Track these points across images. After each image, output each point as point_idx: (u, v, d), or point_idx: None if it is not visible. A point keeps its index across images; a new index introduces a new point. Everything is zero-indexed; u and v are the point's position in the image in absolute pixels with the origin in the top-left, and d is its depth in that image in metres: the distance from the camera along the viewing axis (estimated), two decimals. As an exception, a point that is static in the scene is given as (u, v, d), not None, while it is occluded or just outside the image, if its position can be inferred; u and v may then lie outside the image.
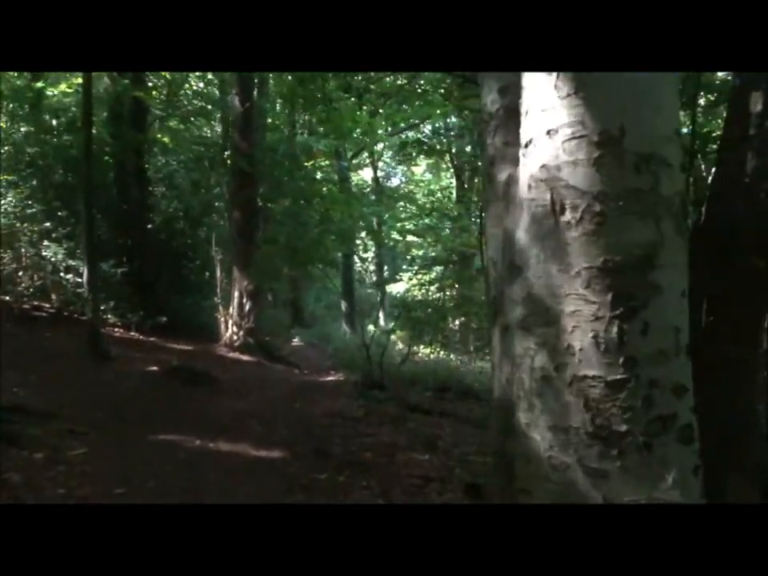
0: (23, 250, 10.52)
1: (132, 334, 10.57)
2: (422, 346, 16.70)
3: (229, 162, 11.06)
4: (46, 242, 10.46)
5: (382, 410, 7.05)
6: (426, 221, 11.58)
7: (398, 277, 23.09)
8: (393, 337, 18.00)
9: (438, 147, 16.18)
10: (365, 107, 9.71)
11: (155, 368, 7.36)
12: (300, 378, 9.42)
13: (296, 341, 15.60)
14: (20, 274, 10.63)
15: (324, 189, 9.72)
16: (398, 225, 15.35)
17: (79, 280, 10.27)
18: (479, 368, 13.74)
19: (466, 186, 19.94)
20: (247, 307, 10.21)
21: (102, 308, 10.66)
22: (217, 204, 12.96)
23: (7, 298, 10.36)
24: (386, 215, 11.01)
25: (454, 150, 19.57)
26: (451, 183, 23.10)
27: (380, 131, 10.21)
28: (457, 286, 18.45)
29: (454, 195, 19.55)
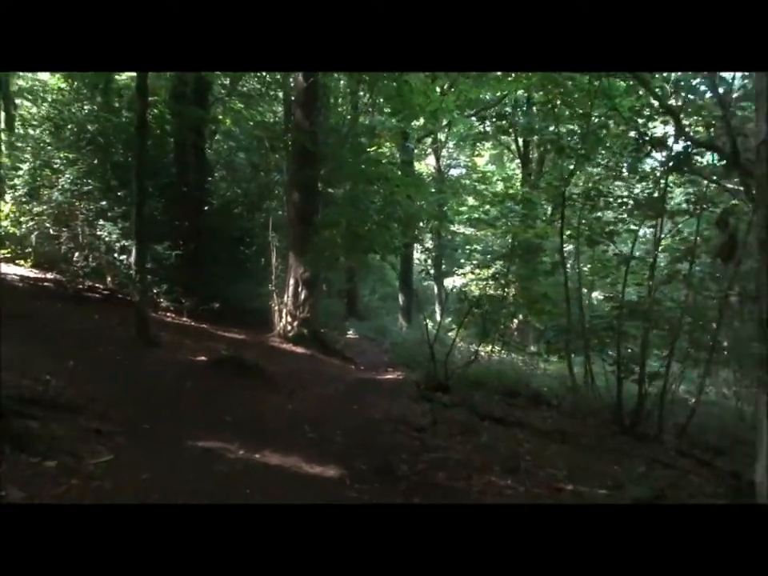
0: (79, 229, 10.11)
1: (184, 319, 10.03)
2: (481, 345, 15.73)
3: (290, 143, 10.37)
4: (101, 222, 10.03)
5: (450, 418, 6.15)
6: (493, 210, 10.55)
7: (455, 270, 22.07)
8: (450, 333, 17.10)
9: (509, 128, 15.05)
10: (437, 81, 8.82)
11: (203, 358, 6.69)
12: (356, 374, 8.61)
13: (350, 333, 14.87)
14: (76, 253, 10.25)
15: (388, 171, 8.80)
16: (458, 216, 14.38)
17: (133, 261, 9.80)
18: (544, 370, 12.65)
19: (532, 176, 18.73)
20: (302, 296, 9.47)
21: (156, 291, 10.17)
22: (276, 190, 12.34)
23: (60, 277, 10.01)
24: (451, 203, 10.05)
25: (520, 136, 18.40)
26: (516, 174, 21.91)
27: (453, 111, 9.23)
28: (515, 282, 17.42)
29: (519, 186, 18.39)
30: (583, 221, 8.38)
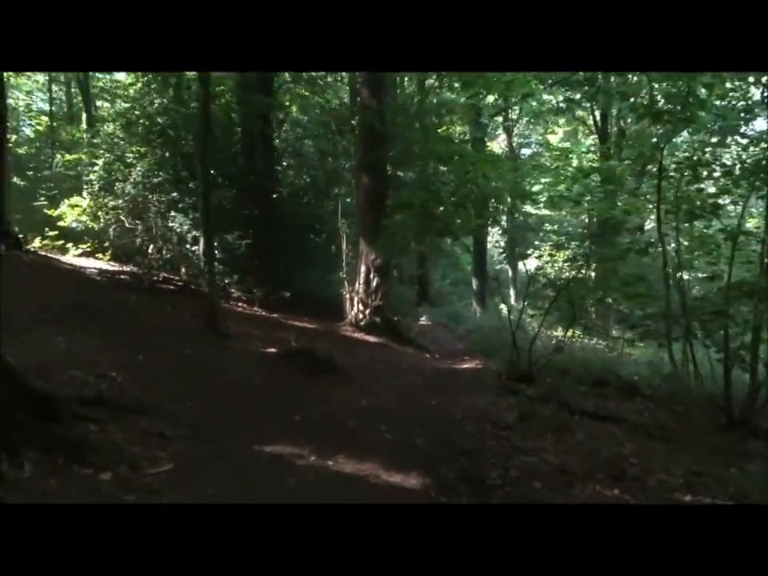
0: (152, 221, 10.09)
1: (255, 309, 9.83)
2: (560, 330, 14.82)
3: (357, 126, 9.91)
4: (173, 213, 9.97)
5: (538, 413, 5.52)
6: (576, 187, 9.73)
7: (531, 253, 21.10)
8: (529, 319, 16.23)
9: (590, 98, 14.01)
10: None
11: (274, 350, 6.37)
12: (432, 363, 8.10)
13: (423, 320, 14.36)
14: (150, 245, 10.26)
15: (462, 149, 8.16)
16: (536, 196, 13.47)
17: (201, 252, 9.68)
18: (628, 356, 11.68)
19: (611, 150, 17.51)
20: (374, 283, 9.03)
21: (227, 281, 10.03)
22: (345, 175, 11.95)
23: (136, 269, 10.04)
24: (526, 180, 9.25)
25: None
26: (591, 150, 20.59)
27: (530, 81, 8.46)
28: (599, 263, 16.39)
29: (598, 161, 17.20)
30: (679, 193, 7.46)
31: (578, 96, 17.05)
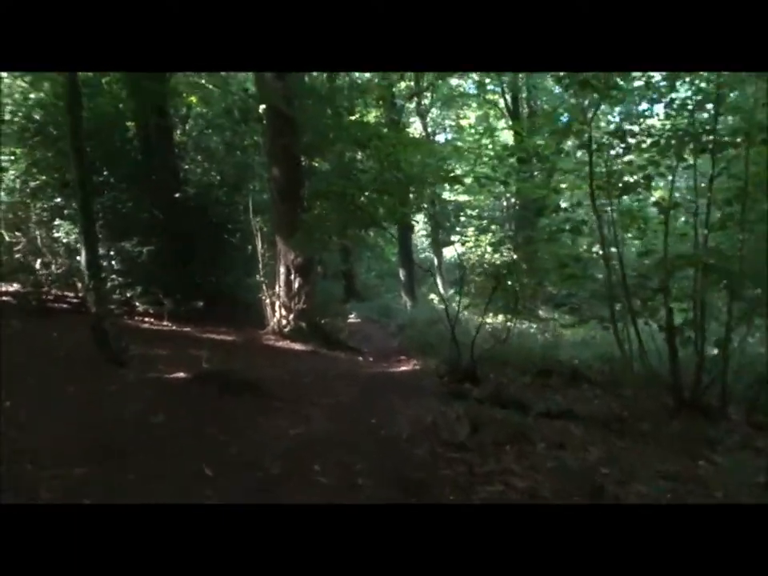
0: (35, 232, 8.69)
1: (165, 323, 8.67)
2: (493, 317, 14.41)
3: (263, 114, 8.89)
4: (57, 221, 8.60)
5: (490, 419, 4.86)
6: (500, 169, 9.25)
7: (454, 239, 20.74)
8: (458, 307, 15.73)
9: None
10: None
11: (182, 374, 5.35)
12: (366, 368, 7.32)
13: (352, 317, 13.56)
14: (38, 260, 8.84)
15: (379, 131, 7.37)
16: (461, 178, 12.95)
17: (104, 264, 8.41)
18: (563, 336, 11.36)
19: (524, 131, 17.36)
20: (296, 285, 8.12)
21: (129, 295, 8.81)
22: (256, 168, 10.88)
23: (21, 288, 8.61)
24: (450, 162, 8.60)
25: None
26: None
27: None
28: (527, 246, 16.36)
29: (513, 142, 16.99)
30: (611, 167, 7.02)
31: (488, 80, 16.74)
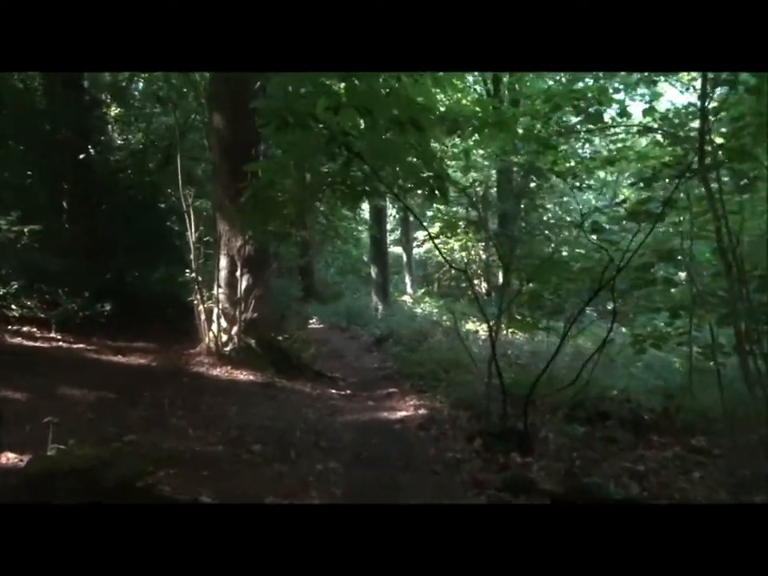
0: None
1: (52, 335, 5.89)
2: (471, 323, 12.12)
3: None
4: None
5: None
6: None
7: (424, 236, 18.38)
8: (419, 309, 13.29)
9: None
10: None
11: (21, 462, 2.68)
12: (351, 414, 4.77)
13: (313, 322, 10.97)
14: None
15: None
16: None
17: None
18: (542, 343, 8.98)
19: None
20: (243, 285, 5.49)
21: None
22: (197, 127, 8.14)
23: None
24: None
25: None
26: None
27: None
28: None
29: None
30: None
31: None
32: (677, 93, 11.33)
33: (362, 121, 3.11)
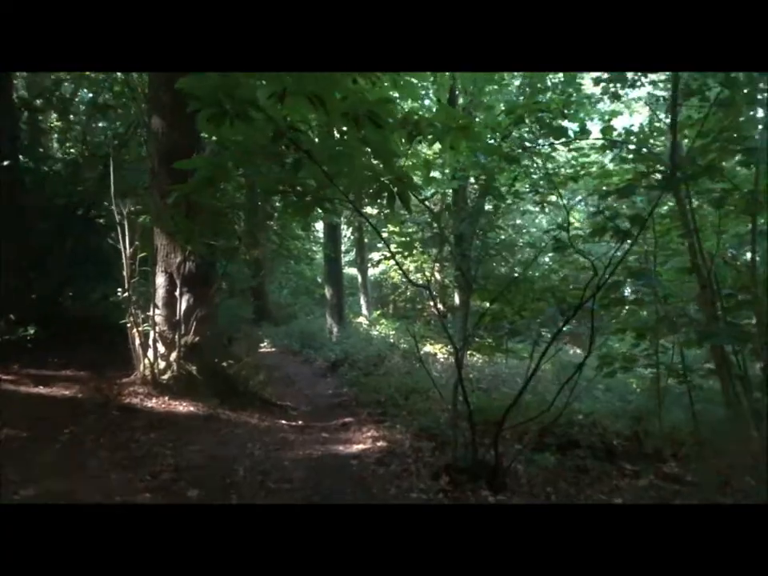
0: None
1: (-39, 362, 5.18)
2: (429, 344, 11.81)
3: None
4: None
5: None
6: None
7: (379, 257, 18.05)
8: (375, 331, 12.89)
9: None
10: None
11: None
12: (303, 448, 4.29)
13: (265, 345, 10.40)
14: None
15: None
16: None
17: None
18: (501, 365, 8.77)
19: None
20: (183, 305, 4.96)
21: None
22: (138, 135, 7.57)
23: None
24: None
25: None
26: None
27: None
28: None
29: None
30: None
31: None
32: (639, 107, 11.44)
33: (312, 117, 2.74)
